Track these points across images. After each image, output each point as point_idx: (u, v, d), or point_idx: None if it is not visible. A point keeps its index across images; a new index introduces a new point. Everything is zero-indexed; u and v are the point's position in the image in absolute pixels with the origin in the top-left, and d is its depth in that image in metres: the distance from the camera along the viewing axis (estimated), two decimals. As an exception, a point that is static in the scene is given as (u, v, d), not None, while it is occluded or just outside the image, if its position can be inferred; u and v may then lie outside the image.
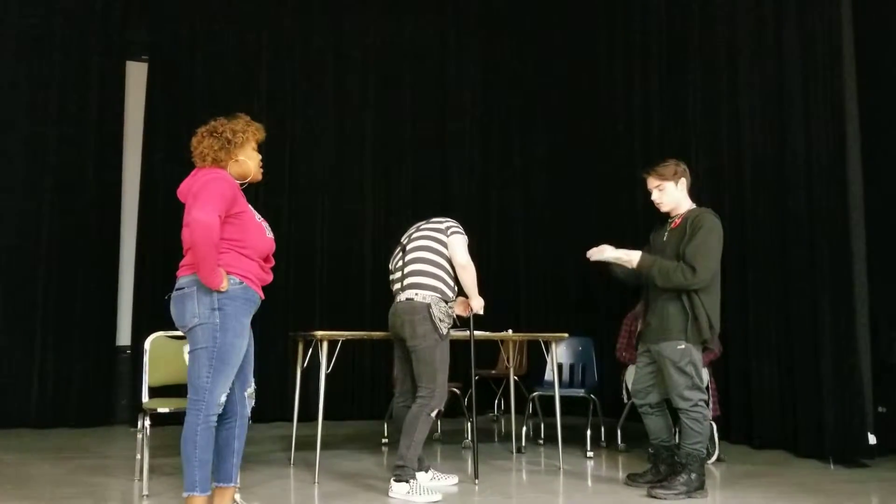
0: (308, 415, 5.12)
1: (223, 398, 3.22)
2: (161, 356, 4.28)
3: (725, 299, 5.82)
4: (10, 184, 6.63)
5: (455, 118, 8.12)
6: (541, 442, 5.88)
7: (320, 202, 7.51)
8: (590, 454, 5.27)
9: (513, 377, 5.52)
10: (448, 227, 4.23)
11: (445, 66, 8.18)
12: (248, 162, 3.36)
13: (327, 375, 4.41)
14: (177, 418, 4.36)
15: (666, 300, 4.05)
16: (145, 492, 3.89)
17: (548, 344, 5.13)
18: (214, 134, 3.30)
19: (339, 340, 4.43)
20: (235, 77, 7.26)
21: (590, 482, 4.50)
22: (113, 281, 6.95)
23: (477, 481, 4.33)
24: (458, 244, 4.18)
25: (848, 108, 5.06)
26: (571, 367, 5.94)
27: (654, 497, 3.91)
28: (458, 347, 4.59)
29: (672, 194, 4.20)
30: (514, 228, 8.32)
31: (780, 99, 5.57)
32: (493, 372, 6.73)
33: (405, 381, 4.31)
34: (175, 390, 4.23)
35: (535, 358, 6.54)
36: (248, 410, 3.38)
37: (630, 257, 4.08)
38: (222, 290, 3.12)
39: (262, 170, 3.44)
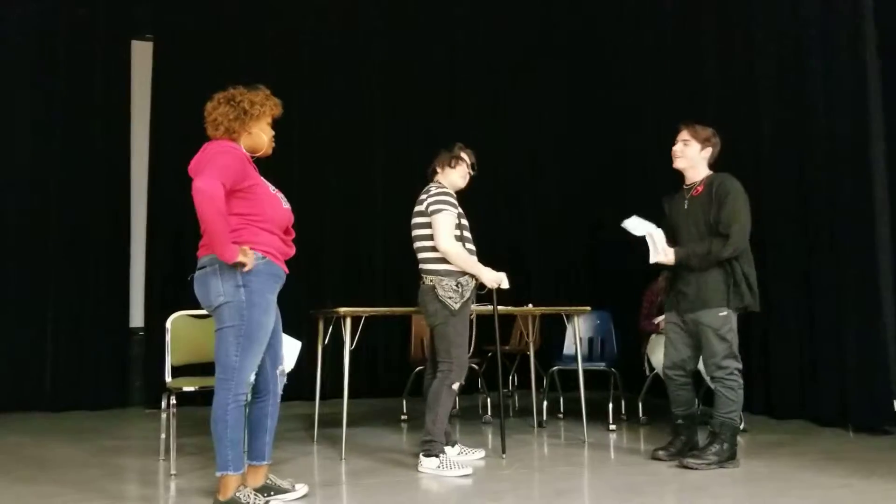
0: (325, 392, 5.11)
1: (252, 377, 3.18)
2: (180, 336, 4.24)
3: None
4: (19, 167, 6.57)
5: (464, 86, 8.05)
6: (560, 416, 5.87)
7: (330, 175, 7.44)
8: (612, 427, 5.25)
9: (533, 351, 5.49)
10: (429, 206, 4.05)
11: (454, 33, 8.09)
12: (262, 135, 3.27)
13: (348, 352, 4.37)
14: (194, 398, 4.35)
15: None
16: (173, 471, 3.87)
17: (569, 317, 5.09)
18: (231, 102, 3.20)
19: (361, 317, 4.39)
20: (241, 54, 7.15)
21: (615, 455, 4.48)
22: (124, 263, 6.90)
23: (504, 455, 4.31)
24: (438, 227, 4.00)
25: (870, 78, 5.00)
26: (591, 340, 5.91)
27: (687, 467, 3.89)
28: (473, 321, 4.54)
29: (694, 154, 4.15)
30: (525, 201, 8.25)
31: (801, 64, 5.50)
32: (507, 347, 6.69)
33: (433, 357, 4.28)
34: (194, 369, 4.20)
35: (549, 332, 6.51)
36: (280, 388, 3.35)
37: (668, 257, 4.01)
38: (246, 266, 3.06)
39: (273, 145, 3.35)
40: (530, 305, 5.03)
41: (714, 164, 4.22)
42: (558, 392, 6.05)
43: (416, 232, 4.14)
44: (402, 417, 5.78)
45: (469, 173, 4.26)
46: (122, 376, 6.80)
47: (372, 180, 7.63)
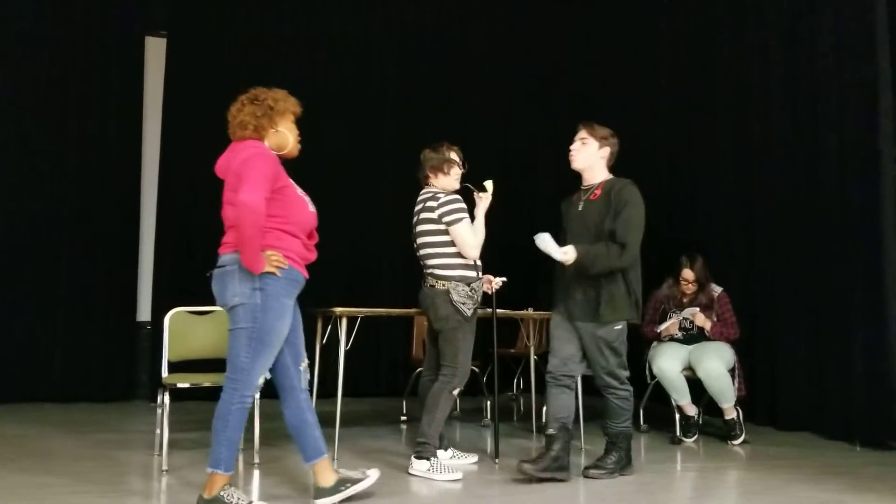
0: (325, 391, 5.11)
1: (261, 380, 3.19)
2: (180, 331, 4.27)
3: (753, 277, 5.78)
4: (30, 161, 6.63)
5: (475, 89, 8.02)
6: (561, 421, 5.82)
7: (339, 174, 7.44)
8: (611, 434, 5.20)
9: (534, 355, 5.46)
10: (442, 215, 4.01)
11: (468, 35, 8.06)
12: (288, 134, 3.30)
13: (346, 352, 4.37)
14: (196, 393, 4.38)
15: (598, 277, 3.87)
16: (165, 466, 3.89)
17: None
18: (256, 101, 3.23)
19: (358, 317, 4.39)
20: (255, 51, 7.17)
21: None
22: (133, 257, 6.95)
23: (497, 460, 4.29)
24: (461, 239, 3.98)
25: (881, 82, 4.91)
26: (593, 346, 5.85)
27: (590, 477, 3.91)
28: (476, 325, 4.52)
29: (591, 154, 4.04)
30: (532, 204, 8.21)
31: (812, 58, 5.43)
32: (512, 350, 6.66)
33: (432, 358, 4.28)
34: (194, 366, 4.23)
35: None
36: (305, 384, 3.36)
37: (567, 256, 3.82)
38: (267, 270, 3.07)
39: (299, 146, 3.37)
40: (530, 310, 5.00)
41: (613, 167, 4.13)
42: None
43: (426, 238, 4.10)
44: (402, 418, 5.78)
45: (461, 172, 4.21)
46: (129, 370, 6.86)
47: (381, 180, 7.61)
